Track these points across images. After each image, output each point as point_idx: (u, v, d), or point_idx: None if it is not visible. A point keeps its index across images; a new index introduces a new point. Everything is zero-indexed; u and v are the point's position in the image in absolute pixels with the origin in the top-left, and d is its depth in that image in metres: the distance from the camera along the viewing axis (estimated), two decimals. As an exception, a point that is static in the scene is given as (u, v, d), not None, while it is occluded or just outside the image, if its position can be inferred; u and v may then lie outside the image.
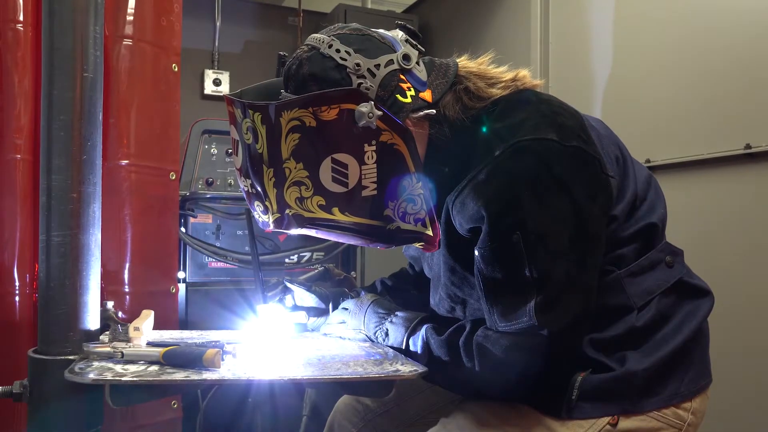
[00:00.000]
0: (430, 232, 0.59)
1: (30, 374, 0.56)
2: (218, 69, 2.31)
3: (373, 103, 0.54)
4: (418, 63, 0.60)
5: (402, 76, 0.58)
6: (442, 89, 0.61)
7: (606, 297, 0.58)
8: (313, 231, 0.58)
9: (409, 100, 0.58)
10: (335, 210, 0.55)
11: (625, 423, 0.57)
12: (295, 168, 0.54)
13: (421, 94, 0.60)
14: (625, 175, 0.61)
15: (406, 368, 0.55)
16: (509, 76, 0.63)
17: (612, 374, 0.57)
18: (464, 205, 0.57)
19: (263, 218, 0.58)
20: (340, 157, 0.54)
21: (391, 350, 0.63)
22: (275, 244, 1.33)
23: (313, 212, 0.55)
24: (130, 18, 0.95)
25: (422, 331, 0.61)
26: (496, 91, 0.61)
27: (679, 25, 1.31)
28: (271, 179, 0.55)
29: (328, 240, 0.67)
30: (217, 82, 2.29)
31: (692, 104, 1.27)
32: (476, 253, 0.56)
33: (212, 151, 1.37)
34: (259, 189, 0.57)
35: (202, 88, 2.28)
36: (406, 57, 0.58)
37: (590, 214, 0.56)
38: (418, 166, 0.57)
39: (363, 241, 0.59)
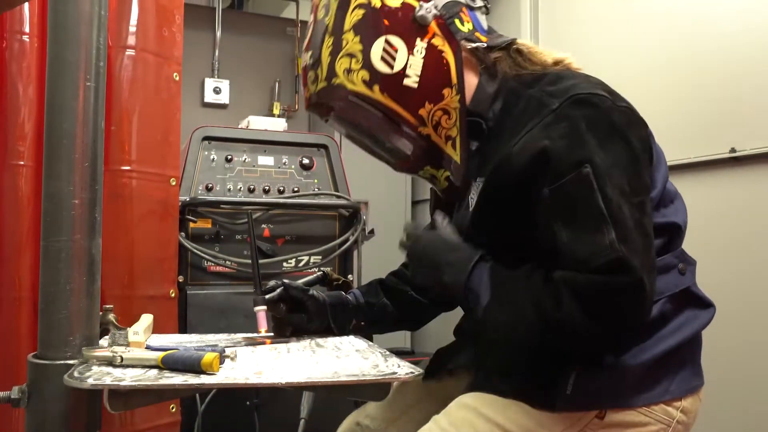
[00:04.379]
0: (457, 158, 0.61)
1: (29, 379, 0.56)
2: (218, 77, 2.34)
3: (435, 5, 0.59)
4: (483, 12, 0.65)
5: (465, 10, 0.63)
6: (498, 43, 0.65)
7: None
8: (349, 110, 0.60)
9: (466, 29, 0.63)
10: (376, 88, 0.59)
11: (612, 417, 0.58)
12: (352, 40, 0.59)
13: (477, 34, 0.64)
14: (659, 162, 0.63)
15: (403, 370, 0.55)
16: (557, 56, 0.66)
17: (605, 369, 0.58)
18: (524, 149, 0.57)
19: (310, 89, 0.62)
20: (394, 40, 0.59)
21: (387, 352, 0.64)
22: (273, 249, 1.34)
23: (355, 85, 0.59)
24: (132, 29, 0.98)
25: (485, 267, 0.59)
26: (548, 60, 0.64)
27: (665, 30, 1.33)
28: (329, 47, 0.60)
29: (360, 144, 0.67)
30: (217, 91, 2.31)
31: (678, 108, 1.29)
32: (546, 192, 0.55)
33: (212, 157, 1.39)
34: (316, 58, 0.61)
35: (203, 96, 2.30)
36: None
37: (645, 166, 0.57)
38: (460, 84, 0.60)
39: (393, 139, 0.61)
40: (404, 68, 0.59)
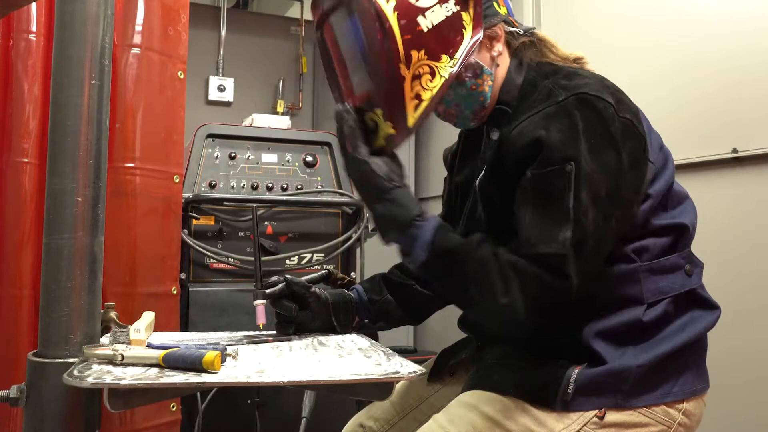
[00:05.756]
0: (411, 121, 0.59)
1: (28, 378, 0.55)
2: (222, 76, 2.34)
3: None
4: None
5: None
6: (526, 28, 0.68)
7: (620, 286, 0.60)
8: (354, 12, 0.60)
9: (503, 12, 0.66)
10: (392, 5, 0.58)
11: (612, 416, 0.58)
12: None
13: (511, 18, 0.67)
14: (664, 166, 0.64)
15: (406, 369, 0.55)
16: (577, 54, 0.68)
17: (606, 368, 0.58)
18: (522, 134, 0.59)
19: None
20: None
21: (390, 351, 0.63)
22: (276, 246, 1.34)
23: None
24: (138, 28, 0.98)
25: (434, 223, 0.60)
26: (569, 55, 0.67)
27: (668, 31, 1.32)
28: None
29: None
30: (221, 89, 2.32)
31: (680, 109, 1.28)
32: (528, 174, 0.58)
33: (215, 154, 1.39)
34: None
35: (207, 93, 2.31)
36: None
37: (628, 180, 0.59)
38: (460, 62, 0.60)
39: (372, 62, 0.60)
40: (426, 9, 0.59)
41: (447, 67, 0.60)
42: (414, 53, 0.59)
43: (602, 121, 0.57)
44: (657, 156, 0.63)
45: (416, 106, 0.60)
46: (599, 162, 0.57)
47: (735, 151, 1.17)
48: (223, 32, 2.31)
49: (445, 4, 0.60)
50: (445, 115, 0.68)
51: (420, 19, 0.59)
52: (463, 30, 0.61)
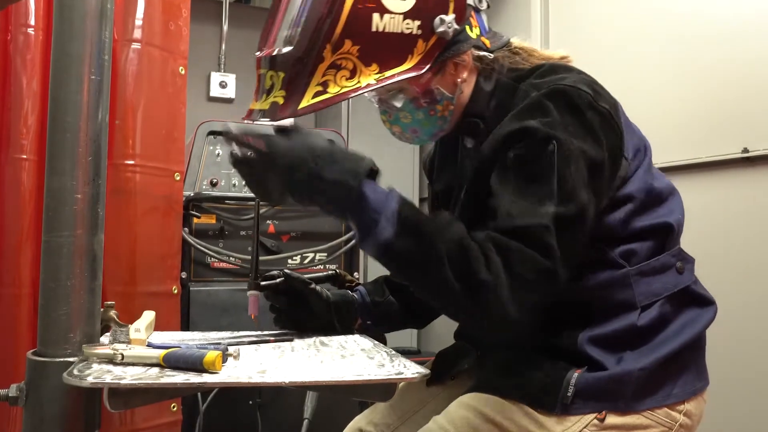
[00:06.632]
0: (301, 104, 0.54)
1: (27, 377, 0.55)
2: (224, 72, 2.33)
3: (455, 17, 0.57)
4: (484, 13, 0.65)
5: (473, 14, 0.61)
6: (498, 44, 0.64)
7: (612, 292, 0.59)
8: None
9: (474, 35, 0.61)
10: None
11: (612, 419, 0.57)
12: None
13: (483, 38, 0.63)
14: (643, 161, 0.62)
15: (410, 370, 0.54)
16: (559, 54, 0.66)
17: (607, 372, 0.57)
18: (500, 129, 0.58)
19: None
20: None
21: (393, 352, 0.63)
22: (278, 245, 1.33)
23: None
24: (139, 23, 0.98)
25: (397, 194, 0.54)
26: (550, 55, 0.65)
27: (678, 30, 1.31)
28: None
29: None
30: (223, 85, 2.31)
31: (690, 108, 1.27)
32: (510, 155, 0.55)
33: (217, 152, 1.38)
34: None
35: (208, 90, 2.30)
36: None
37: (605, 170, 0.57)
38: (383, 84, 0.55)
39: (308, 25, 0.54)
40: (387, 11, 0.53)
41: (369, 78, 0.54)
42: (348, 42, 0.53)
43: (578, 109, 0.56)
44: (635, 152, 0.61)
45: (316, 94, 0.54)
46: (580, 146, 0.55)
47: (746, 150, 1.16)
48: (225, 27, 2.29)
49: (408, 20, 0.55)
50: (401, 137, 0.66)
51: (375, 15, 0.54)
52: (409, 56, 0.56)
